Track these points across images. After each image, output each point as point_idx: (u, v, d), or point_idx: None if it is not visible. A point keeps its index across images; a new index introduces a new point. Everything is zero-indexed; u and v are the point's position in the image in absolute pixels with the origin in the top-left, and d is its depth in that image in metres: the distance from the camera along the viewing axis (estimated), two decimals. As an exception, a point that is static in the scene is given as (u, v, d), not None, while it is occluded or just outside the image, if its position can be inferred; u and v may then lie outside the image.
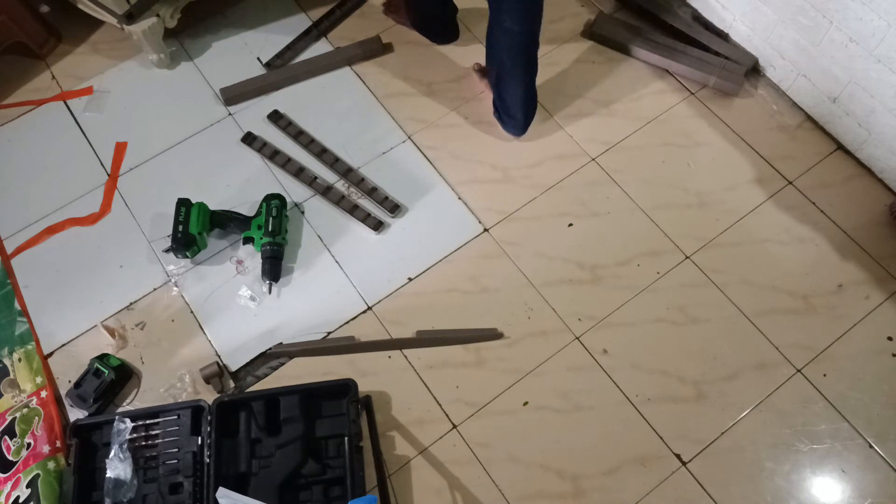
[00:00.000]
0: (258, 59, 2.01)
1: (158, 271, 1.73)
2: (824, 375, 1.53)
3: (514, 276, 1.67)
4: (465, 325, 1.62)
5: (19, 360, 1.64)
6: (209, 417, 1.44)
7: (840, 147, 1.77)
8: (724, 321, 1.60)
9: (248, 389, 1.59)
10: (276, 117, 1.90)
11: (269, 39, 2.04)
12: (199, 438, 1.44)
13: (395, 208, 1.76)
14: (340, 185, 1.81)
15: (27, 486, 1.44)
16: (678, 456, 1.48)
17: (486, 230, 1.74)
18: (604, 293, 1.64)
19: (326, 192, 1.79)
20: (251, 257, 1.73)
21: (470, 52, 1.96)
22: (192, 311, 1.68)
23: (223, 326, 1.66)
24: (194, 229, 1.67)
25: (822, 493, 1.43)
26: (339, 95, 1.95)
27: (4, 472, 1.48)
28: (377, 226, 1.74)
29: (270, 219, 1.69)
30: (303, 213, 1.78)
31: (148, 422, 1.47)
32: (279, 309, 1.67)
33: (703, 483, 1.45)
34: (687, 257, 1.67)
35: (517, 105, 1.73)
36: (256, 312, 1.67)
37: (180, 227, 1.66)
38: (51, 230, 1.79)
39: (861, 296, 1.61)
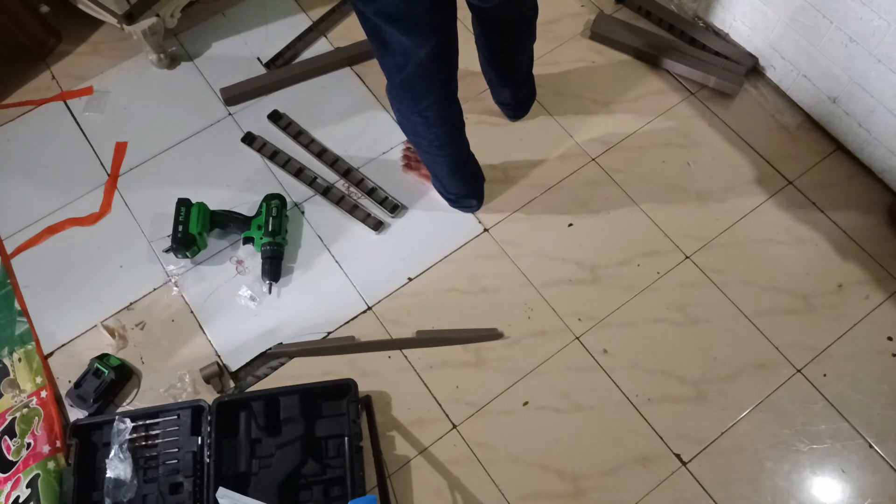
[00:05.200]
0: (258, 59, 2.01)
1: (158, 271, 1.73)
2: (824, 375, 1.53)
3: (514, 276, 1.67)
4: (465, 325, 1.62)
5: (19, 360, 1.64)
6: (209, 417, 1.44)
7: (840, 147, 1.77)
8: (724, 321, 1.60)
9: (248, 389, 1.59)
10: (276, 117, 1.90)
11: (269, 39, 2.05)
12: (199, 438, 1.44)
13: (395, 208, 1.76)
14: (340, 185, 1.81)
15: (27, 486, 1.44)
16: (678, 456, 1.48)
17: (486, 230, 1.74)
18: (604, 293, 1.64)
19: (326, 192, 1.79)
20: (251, 257, 1.73)
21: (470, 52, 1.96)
22: (192, 311, 1.68)
23: (223, 326, 1.66)
24: (194, 229, 1.67)
25: (822, 493, 1.43)
26: (339, 95, 1.95)
27: (4, 472, 1.48)
28: (377, 226, 1.74)
29: (270, 219, 1.69)
30: (303, 213, 1.78)
31: (148, 422, 1.47)
32: (279, 309, 1.67)
33: (703, 483, 1.45)
34: (687, 257, 1.67)
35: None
36: (256, 312, 1.67)
37: (180, 227, 1.67)
38: (51, 230, 1.79)
39: (861, 296, 1.61)
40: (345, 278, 1.70)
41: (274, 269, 1.67)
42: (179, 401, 1.54)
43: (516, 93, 1.80)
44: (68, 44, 2.08)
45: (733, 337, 1.58)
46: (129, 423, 1.44)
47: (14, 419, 1.54)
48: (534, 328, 1.61)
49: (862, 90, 1.61)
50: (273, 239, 1.67)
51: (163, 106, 1.96)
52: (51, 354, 1.65)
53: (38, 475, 1.45)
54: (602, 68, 1.94)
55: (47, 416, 1.55)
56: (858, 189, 1.73)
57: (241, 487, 1.41)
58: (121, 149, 1.90)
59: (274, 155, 1.85)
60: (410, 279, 1.69)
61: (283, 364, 1.62)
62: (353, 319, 1.65)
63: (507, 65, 1.70)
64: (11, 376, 1.62)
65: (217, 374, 1.58)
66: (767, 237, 1.68)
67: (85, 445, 1.47)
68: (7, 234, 1.80)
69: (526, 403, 1.54)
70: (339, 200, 1.78)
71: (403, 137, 1.86)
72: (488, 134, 1.85)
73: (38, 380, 1.61)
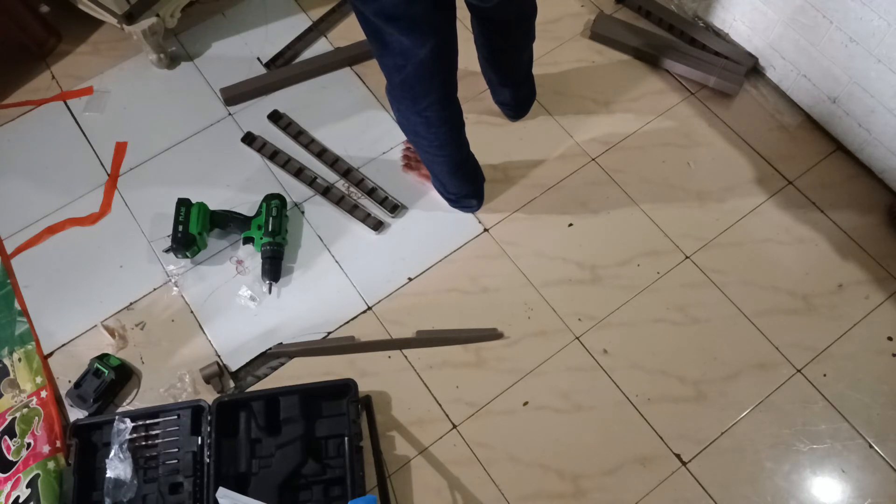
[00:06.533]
0: (258, 59, 2.01)
1: (158, 271, 1.73)
2: (824, 375, 1.53)
3: (514, 276, 1.67)
4: (465, 325, 1.62)
5: (19, 360, 1.64)
6: (209, 417, 1.44)
7: (840, 147, 1.77)
8: (724, 321, 1.60)
9: (248, 389, 1.59)
10: (276, 117, 1.90)
11: (269, 39, 2.05)
12: (199, 438, 1.44)
13: (395, 208, 1.76)
14: (340, 185, 1.81)
15: (27, 486, 1.44)
16: (678, 456, 1.48)
17: (486, 230, 1.74)
18: (604, 293, 1.64)
19: (326, 192, 1.79)
20: (251, 257, 1.73)
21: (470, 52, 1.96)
22: (192, 311, 1.68)
23: (223, 326, 1.66)
24: (194, 229, 1.67)
25: (822, 493, 1.43)
26: (339, 95, 1.95)
27: (4, 472, 1.48)
28: (377, 226, 1.74)
29: (270, 219, 1.69)
30: (303, 213, 1.78)
31: (148, 422, 1.47)
32: (279, 309, 1.67)
33: (703, 483, 1.45)
34: (687, 257, 1.67)
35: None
36: (256, 312, 1.67)
37: (180, 227, 1.67)
38: (51, 230, 1.79)
39: (861, 296, 1.61)
40: (345, 278, 1.70)
41: (274, 269, 1.67)
42: (179, 401, 1.54)
43: (516, 93, 1.80)
44: (68, 44, 2.08)
45: (733, 337, 1.58)
46: (129, 423, 1.44)
47: (14, 419, 1.54)
48: (534, 328, 1.61)
49: (862, 90, 1.61)
50: (273, 239, 1.67)
51: (163, 106, 1.96)
52: (51, 354, 1.65)
53: (38, 475, 1.45)
54: (602, 68, 1.94)
55: (47, 416, 1.55)
56: (858, 189, 1.73)
57: (241, 487, 1.41)
58: (121, 149, 1.90)
59: (274, 155, 1.85)
60: (410, 279, 1.69)
61: (283, 364, 1.62)
62: (353, 319, 1.65)
63: (506, 64, 1.70)
64: (11, 376, 1.62)
65: (217, 374, 1.58)
66: (767, 237, 1.68)
67: (85, 445, 1.47)
68: (7, 234, 1.80)
69: (526, 403, 1.54)
70: (339, 200, 1.78)
71: (403, 137, 1.86)
72: (488, 134, 1.85)
73: (38, 380, 1.61)
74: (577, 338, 1.60)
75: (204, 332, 1.66)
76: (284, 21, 2.08)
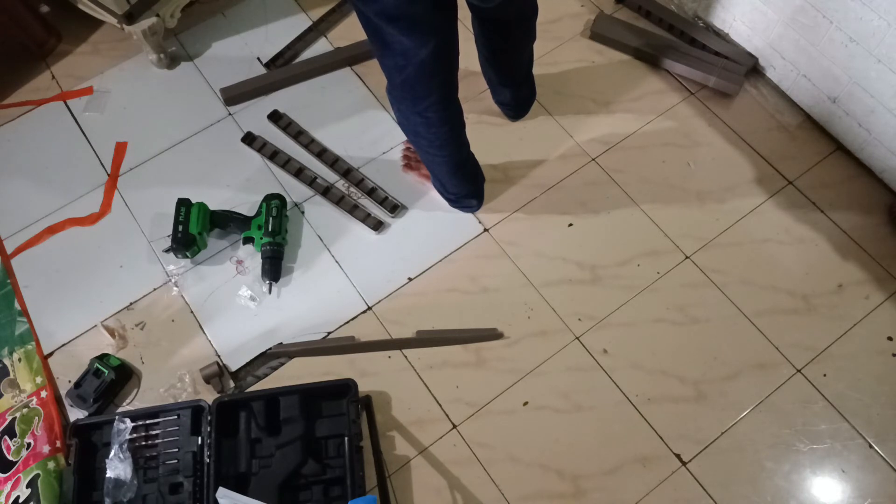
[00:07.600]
0: (258, 59, 2.01)
1: (158, 271, 1.73)
2: (824, 375, 1.53)
3: (514, 276, 1.67)
4: (465, 325, 1.62)
5: (19, 360, 1.64)
6: (209, 417, 1.44)
7: (840, 147, 1.77)
8: (724, 321, 1.60)
9: (248, 389, 1.59)
10: (276, 117, 1.90)
11: (269, 39, 2.05)
12: (199, 438, 1.44)
13: (395, 208, 1.76)
14: (340, 185, 1.81)
15: (27, 486, 1.44)
16: (678, 456, 1.48)
17: (486, 230, 1.74)
18: (604, 293, 1.64)
19: (326, 192, 1.79)
20: (251, 257, 1.73)
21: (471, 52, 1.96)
22: (192, 311, 1.68)
23: (223, 326, 1.66)
24: (194, 229, 1.67)
25: (822, 493, 1.43)
26: (339, 95, 1.95)
27: (4, 472, 1.48)
28: (377, 226, 1.74)
29: (270, 219, 1.69)
30: (303, 213, 1.78)
31: (148, 422, 1.47)
32: (279, 309, 1.67)
33: (703, 483, 1.45)
34: (687, 257, 1.68)
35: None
36: (256, 312, 1.67)
37: (180, 227, 1.67)
38: (51, 230, 1.79)
39: (861, 296, 1.61)
40: (345, 278, 1.70)
41: (274, 269, 1.67)
42: (179, 401, 1.54)
43: (516, 93, 1.80)
44: (68, 44, 2.08)
45: (733, 337, 1.58)
46: (129, 423, 1.44)
47: (14, 419, 1.54)
48: (534, 328, 1.61)
49: (862, 90, 1.61)
50: (273, 239, 1.67)
51: (163, 106, 1.96)
52: (51, 354, 1.65)
53: (38, 475, 1.45)
54: (602, 68, 1.94)
55: (47, 416, 1.55)
56: (858, 189, 1.73)
57: (241, 487, 1.41)
58: (121, 149, 1.90)
59: (274, 155, 1.85)
60: (410, 279, 1.69)
61: (283, 364, 1.62)
62: (353, 319, 1.65)
63: (506, 64, 1.70)
64: (11, 376, 1.62)
65: (217, 374, 1.58)
66: (767, 237, 1.68)
67: (85, 445, 1.47)
68: (7, 234, 1.80)
69: (526, 403, 1.54)
70: (339, 200, 1.78)
71: (403, 137, 1.86)
72: (488, 134, 1.85)
73: (38, 380, 1.61)
74: (577, 338, 1.60)
75: (204, 332, 1.66)
76: (284, 21, 2.08)
